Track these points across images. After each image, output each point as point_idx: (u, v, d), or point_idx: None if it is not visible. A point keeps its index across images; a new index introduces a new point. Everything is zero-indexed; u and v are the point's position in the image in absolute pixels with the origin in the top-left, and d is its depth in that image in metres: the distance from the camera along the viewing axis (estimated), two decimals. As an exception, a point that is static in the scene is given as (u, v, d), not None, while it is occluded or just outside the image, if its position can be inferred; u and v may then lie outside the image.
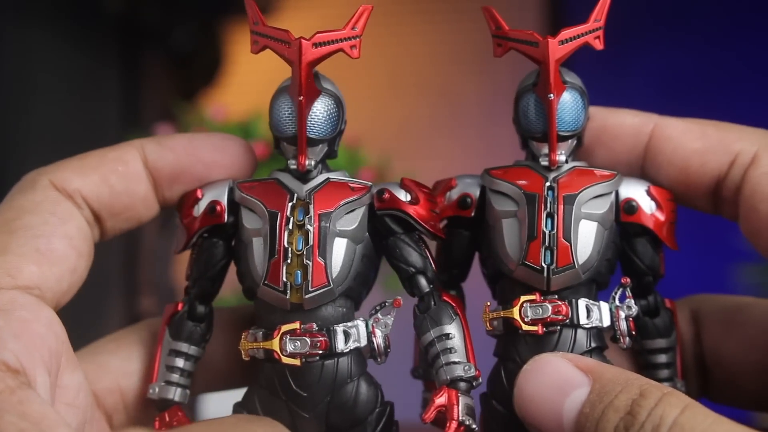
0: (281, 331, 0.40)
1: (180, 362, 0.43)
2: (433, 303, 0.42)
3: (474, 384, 0.41)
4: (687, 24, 1.77)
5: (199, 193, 0.43)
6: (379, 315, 0.41)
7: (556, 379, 0.37)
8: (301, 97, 0.40)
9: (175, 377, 0.43)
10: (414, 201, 0.42)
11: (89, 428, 0.39)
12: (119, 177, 0.42)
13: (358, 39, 0.41)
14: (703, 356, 0.46)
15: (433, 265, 0.42)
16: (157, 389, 0.43)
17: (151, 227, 0.44)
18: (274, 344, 0.40)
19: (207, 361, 0.44)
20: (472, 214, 0.43)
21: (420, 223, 0.42)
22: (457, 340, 0.41)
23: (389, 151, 1.28)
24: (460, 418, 0.40)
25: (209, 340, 0.44)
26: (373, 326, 0.41)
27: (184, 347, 0.43)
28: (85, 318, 0.73)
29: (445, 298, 0.42)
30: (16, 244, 0.38)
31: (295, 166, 0.41)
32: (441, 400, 0.40)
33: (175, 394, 0.43)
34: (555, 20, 1.86)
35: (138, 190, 0.43)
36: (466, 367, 0.41)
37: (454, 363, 0.41)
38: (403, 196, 0.42)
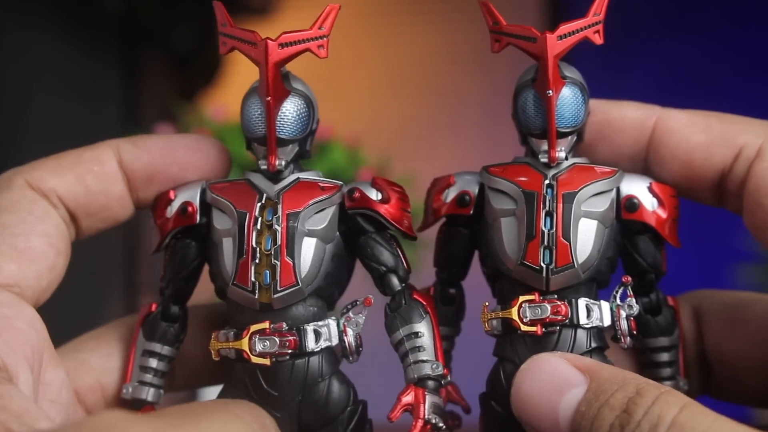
0: (250, 331, 0.40)
1: (153, 363, 0.43)
2: (403, 302, 0.42)
3: (442, 382, 0.41)
4: (688, 21, 1.76)
5: (171, 195, 0.43)
6: (350, 314, 0.41)
7: (553, 378, 0.37)
8: (269, 98, 0.40)
9: (149, 377, 0.43)
10: (385, 200, 0.42)
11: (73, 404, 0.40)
12: (95, 177, 0.42)
13: (325, 39, 0.41)
14: (705, 353, 0.46)
15: (405, 264, 0.42)
16: (130, 389, 0.43)
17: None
18: (243, 344, 0.40)
19: (185, 359, 0.44)
20: (471, 212, 0.43)
21: (391, 222, 0.42)
22: (426, 339, 0.41)
23: (389, 151, 1.27)
24: (427, 416, 0.40)
25: (183, 340, 0.44)
26: (344, 325, 0.41)
27: (157, 348, 0.43)
28: (84, 318, 0.73)
29: (415, 296, 0.42)
30: None
31: (265, 167, 0.42)
32: (407, 398, 0.40)
33: (148, 394, 0.43)
34: (555, 19, 1.85)
35: (113, 190, 0.43)
36: (434, 366, 0.41)
37: (422, 361, 0.41)
38: (374, 195, 0.42)
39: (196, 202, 0.43)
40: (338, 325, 0.41)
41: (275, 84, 0.40)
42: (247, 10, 1.73)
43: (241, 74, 1.87)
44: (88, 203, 0.42)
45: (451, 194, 0.43)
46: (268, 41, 0.40)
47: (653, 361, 0.44)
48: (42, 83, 1.53)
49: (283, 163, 0.42)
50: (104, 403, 0.43)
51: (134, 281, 1.77)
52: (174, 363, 0.44)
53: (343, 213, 0.42)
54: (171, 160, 0.44)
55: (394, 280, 0.42)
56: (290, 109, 0.42)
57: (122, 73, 1.75)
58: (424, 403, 0.40)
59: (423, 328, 0.41)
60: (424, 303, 0.42)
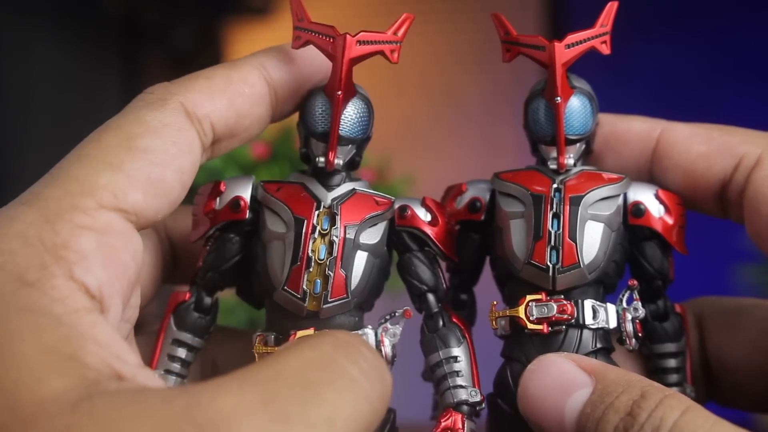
0: (297, 337, 0.40)
1: (182, 353, 0.43)
2: (441, 323, 0.42)
3: (477, 409, 0.41)
4: (690, 26, 1.76)
5: (222, 186, 0.43)
6: (388, 324, 0.41)
7: (560, 379, 0.38)
8: (340, 92, 0.40)
9: (176, 367, 0.43)
10: (434, 222, 0.43)
11: (130, 341, 0.40)
12: (245, 100, 0.42)
13: (398, 45, 0.41)
14: (708, 360, 0.46)
15: (445, 285, 0.43)
16: (156, 377, 0.42)
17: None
18: None
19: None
20: (482, 217, 0.44)
21: (438, 246, 0.43)
22: (464, 364, 0.42)
23: (389, 151, 1.27)
24: None
25: (212, 332, 0.44)
26: (381, 335, 0.41)
27: (188, 338, 0.43)
28: None
29: (454, 319, 0.43)
30: (130, 166, 0.37)
31: (323, 165, 0.42)
32: (447, 422, 0.41)
33: (174, 383, 0.43)
34: (555, 20, 1.85)
35: (259, 111, 0.42)
36: (472, 392, 0.41)
37: (461, 387, 0.41)
38: (423, 215, 0.43)
39: (248, 198, 0.43)
40: (376, 335, 0.41)
41: (348, 80, 0.40)
42: (247, 10, 1.73)
43: (241, 74, 1.87)
44: (235, 126, 0.42)
45: (463, 201, 0.45)
46: (347, 36, 0.40)
47: (660, 367, 0.44)
48: (42, 83, 1.53)
49: (341, 162, 0.42)
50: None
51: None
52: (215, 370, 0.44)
53: (391, 228, 0.43)
54: (313, 69, 0.43)
55: (433, 300, 0.43)
56: (354, 109, 0.42)
57: (122, 73, 1.74)
58: (464, 428, 0.41)
59: (461, 352, 0.42)
60: (462, 327, 0.43)
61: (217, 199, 0.43)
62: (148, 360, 0.43)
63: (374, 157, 1.25)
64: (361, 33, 0.41)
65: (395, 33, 0.41)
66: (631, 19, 1.71)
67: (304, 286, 0.40)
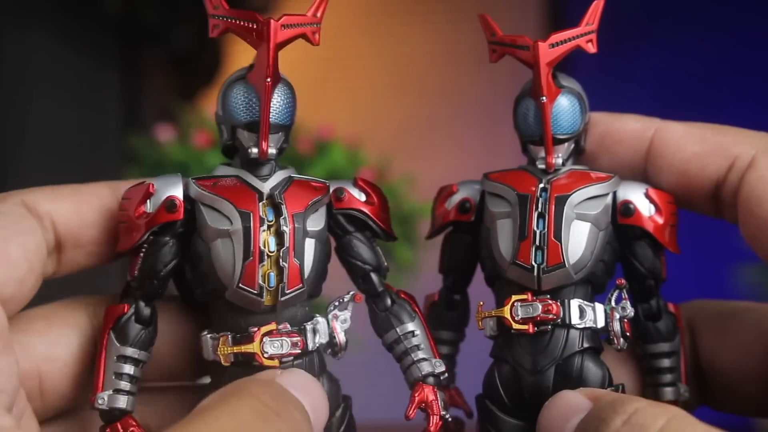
0: (262, 332, 0.39)
1: (129, 368, 0.40)
2: (389, 301, 0.42)
3: (441, 378, 0.42)
4: (686, 27, 1.77)
5: (151, 188, 0.41)
6: (337, 311, 0.41)
7: (563, 407, 0.38)
8: (269, 79, 0.40)
9: (125, 385, 0.40)
10: (370, 201, 0.43)
11: (15, 410, 0.38)
12: (90, 208, 0.42)
13: (318, 26, 0.41)
14: (700, 364, 0.46)
15: (385, 263, 0.43)
16: (105, 398, 0.40)
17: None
18: (255, 347, 0.39)
19: (156, 356, 0.43)
20: (472, 218, 0.44)
21: (378, 224, 0.43)
22: (421, 337, 0.42)
23: (389, 151, 1.28)
24: (441, 412, 0.41)
25: (154, 343, 0.42)
26: (333, 323, 0.41)
27: (132, 353, 0.40)
28: None
29: (402, 295, 0.43)
30: None
31: (256, 155, 0.41)
32: (421, 395, 0.41)
33: (127, 403, 0.40)
34: (555, 20, 1.86)
35: (107, 225, 0.42)
36: (435, 363, 0.42)
37: (423, 359, 0.42)
38: (358, 194, 0.43)
39: (182, 197, 0.41)
40: (327, 323, 0.41)
41: (276, 66, 0.40)
42: (246, 9, 1.73)
43: (241, 74, 1.87)
44: (79, 232, 0.41)
45: (453, 202, 0.44)
46: (272, 21, 0.39)
47: (654, 367, 0.44)
48: (42, 83, 1.53)
49: (274, 151, 0.41)
50: (39, 392, 0.41)
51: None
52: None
53: (329, 212, 0.42)
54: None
55: (377, 279, 0.43)
56: (280, 95, 0.41)
57: (122, 73, 1.75)
58: (437, 399, 0.41)
59: (416, 326, 0.42)
60: (411, 302, 0.43)
61: (148, 201, 0.41)
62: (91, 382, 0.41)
63: (374, 157, 1.25)
64: (284, 17, 0.40)
65: (314, 14, 0.41)
66: (630, 21, 1.71)
67: (260, 281, 0.39)
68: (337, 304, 0.41)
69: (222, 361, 0.40)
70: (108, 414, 0.40)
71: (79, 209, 0.41)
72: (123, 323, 0.41)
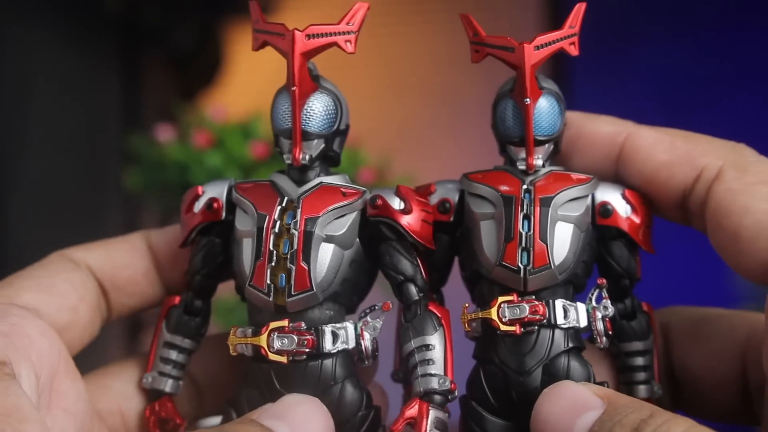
0: (269, 328, 0.40)
1: (174, 354, 0.44)
2: (418, 312, 0.42)
3: (449, 397, 0.41)
4: (686, 27, 1.77)
5: (200, 190, 0.44)
6: (368, 318, 0.41)
7: (572, 401, 0.38)
8: (294, 88, 0.40)
9: (168, 369, 0.44)
10: (407, 210, 0.42)
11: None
12: (121, 252, 0.45)
13: (353, 35, 0.41)
14: (673, 369, 0.46)
15: (424, 274, 0.42)
16: (150, 379, 0.44)
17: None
18: (262, 340, 0.40)
19: (216, 381, 0.46)
20: (451, 218, 0.44)
21: (410, 234, 0.42)
22: (437, 352, 0.41)
23: (389, 151, 1.27)
24: (428, 431, 0.39)
25: (204, 334, 0.45)
26: (361, 329, 0.41)
27: (178, 340, 0.44)
28: (84, 356, 0.74)
29: (431, 308, 0.42)
30: (19, 283, 0.41)
31: (290, 161, 0.42)
32: (411, 411, 0.40)
33: (167, 385, 0.44)
34: (555, 20, 1.86)
35: (140, 265, 0.45)
36: (442, 380, 0.40)
37: (431, 375, 0.41)
38: (397, 204, 0.42)
39: (223, 199, 0.43)
40: (355, 328, 0.41)
41: (301, 74, 0.40)
42: (247, 9, 1.73)
43: (241, 74, 1.87)
44: (113, 274, 0.44)
45: (432, 202, 0.44)
46: (296, 32, 0.40)
47: (628, 365, 0.45)
48: (42, 83, 1.53)
49: (308, 157, 0.42)
50: (124, 428, 0.44)
51: (138, 320, 1.76)
52: (202, 384, 0.46)
53: (364, 219, 0.42)
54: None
55: (412, 290, 0.42)
56: (317, 104, 0.42)
57: (122, 73, 1.74)
58: (427, 418, 0.40)
59: (435, 340, 0.41)
60: (439, 315, 0.42)
61: (196, 203, 0.44)
62: None
63: (374, 157, 1.25)
64: (310, 27, 0.40)
65: (348, 23, 0.41)
66: (630, 21, 1.71)
67: (268, 281, 0.40)
68: (368, 311, 0.41)
69: (230, 351, 0.41)
70: (151, 393, 0.44)
71: (111, 254, 0.45)
72: (173, 313, 0.45)
